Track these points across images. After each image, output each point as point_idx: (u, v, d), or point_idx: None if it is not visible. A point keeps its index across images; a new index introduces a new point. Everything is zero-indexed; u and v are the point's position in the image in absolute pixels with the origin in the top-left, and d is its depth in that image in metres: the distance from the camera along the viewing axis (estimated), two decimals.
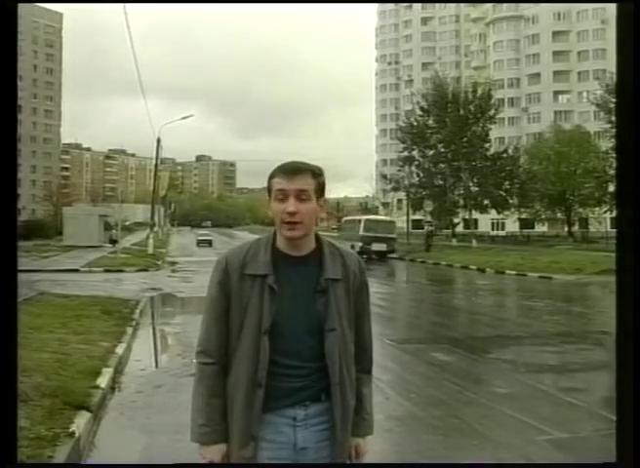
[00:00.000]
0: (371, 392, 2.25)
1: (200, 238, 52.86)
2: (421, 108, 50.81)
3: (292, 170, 2.03)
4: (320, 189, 2.06)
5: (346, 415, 2.08)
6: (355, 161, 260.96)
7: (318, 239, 2.12)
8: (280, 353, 2.01)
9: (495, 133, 55.84)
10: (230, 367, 2.05)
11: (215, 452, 2.05)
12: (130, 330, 9.80)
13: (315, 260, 2.07)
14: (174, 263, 29.06)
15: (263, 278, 2.01)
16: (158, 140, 39.35)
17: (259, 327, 1.99)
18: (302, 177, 2.02)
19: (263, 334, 1.99)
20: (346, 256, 2.14)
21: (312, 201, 2.03)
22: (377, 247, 34.13)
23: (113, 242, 38.98)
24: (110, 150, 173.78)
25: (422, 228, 58.09)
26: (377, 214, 75.62)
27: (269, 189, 2.06)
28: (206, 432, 2.04)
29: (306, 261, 2.07)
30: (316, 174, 2.06)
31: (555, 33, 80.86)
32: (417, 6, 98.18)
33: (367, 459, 2.22)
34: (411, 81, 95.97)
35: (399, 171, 56.07)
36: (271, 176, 2.06)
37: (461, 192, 49.58)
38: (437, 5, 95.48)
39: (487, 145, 50.17)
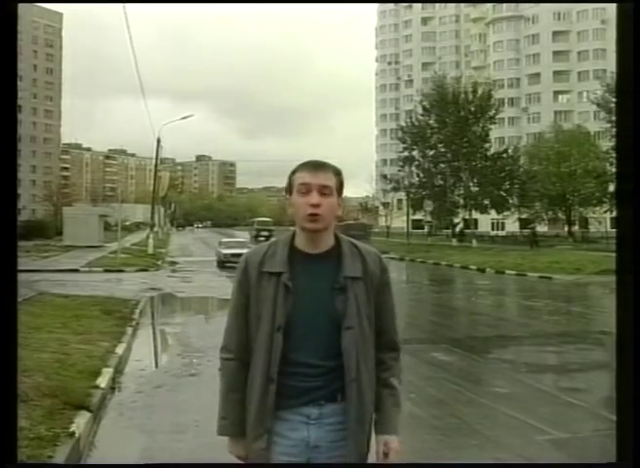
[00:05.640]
0: (396, 399, 2.18)
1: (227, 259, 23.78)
2: (423, 107, 50.79)
3: (315, 165, 2.08)
4: (340, 187, 2.11)
5: (363, 414, 2.06)
6: (355, 161, 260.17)
7: (337, 237, 2.13)
8: (296, 350, 2.02)
9: (495, 133, 55.79)
10: (250, 362, 2.09)
11: (238, 448, 2.12)
12: (130, 330, 9.81)
13: (333, 258, 2.08)
14: (174, 263, 29.03)
15: (279, 275, 2.03)
16: (158, 140, 39.36)
17: (272, 324, 2.02)
18: (325, 173, 2.07)
19: (277, 331, 2.01)
20: (367, 255, 2.13)
21: (333, 197, 2.07)
22: None
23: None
24: (110, 150, 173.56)
25: (422, 228, 58.17)
26: (377, 213, 75.79)
27: (290, 185, 2.10)
28: (224, 425, 2.13)
29: (324, 259, 2.08)
30: (337, 172, 2.11)
31: (555, 33, 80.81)
32: (417, 6, 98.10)
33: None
34: (411, 81, 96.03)
35: (399, 171, 56.04)
36: (293, 172, 2.10)
37: (461, 192, 49.55)
38: (437, 5, 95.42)
39: (487, 145, 50.15)
